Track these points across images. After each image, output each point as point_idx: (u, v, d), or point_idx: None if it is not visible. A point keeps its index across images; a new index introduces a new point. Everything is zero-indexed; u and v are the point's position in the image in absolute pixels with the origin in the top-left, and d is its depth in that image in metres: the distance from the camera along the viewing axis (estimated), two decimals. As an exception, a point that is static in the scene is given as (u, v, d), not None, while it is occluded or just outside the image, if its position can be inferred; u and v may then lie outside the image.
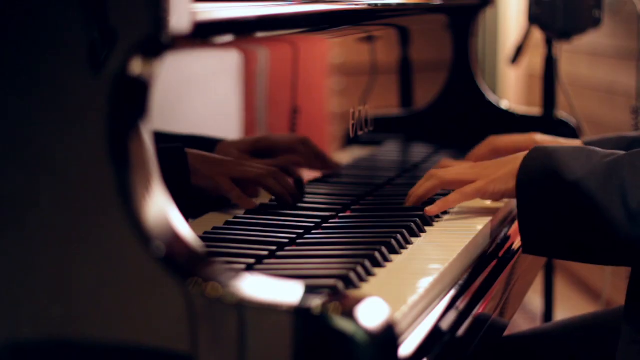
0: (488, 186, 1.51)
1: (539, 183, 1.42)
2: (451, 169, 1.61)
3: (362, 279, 1.23)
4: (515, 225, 1.67)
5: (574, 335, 1.65)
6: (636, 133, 1.83)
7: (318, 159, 1.63)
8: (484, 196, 1.53)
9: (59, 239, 1.03)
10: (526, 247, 1.45)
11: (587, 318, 1.69)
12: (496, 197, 1.56)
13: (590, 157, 1.41)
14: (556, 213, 1.40)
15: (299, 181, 1.57)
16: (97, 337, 1.02)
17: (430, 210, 1.54)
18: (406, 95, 2.10)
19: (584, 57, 3.85)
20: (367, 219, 1.60)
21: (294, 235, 1.40)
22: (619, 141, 1.78)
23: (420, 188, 1.59)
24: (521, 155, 1.48)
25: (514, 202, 1.69)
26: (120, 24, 1.02)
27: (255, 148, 1.46)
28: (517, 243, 1.61)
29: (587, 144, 1.79)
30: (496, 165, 1.54)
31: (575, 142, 1.81)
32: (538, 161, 1.44)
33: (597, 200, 1.37)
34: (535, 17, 2.39)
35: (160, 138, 1.08)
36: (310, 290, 0.99)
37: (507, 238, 1.62)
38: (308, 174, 1.64)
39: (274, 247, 1.34)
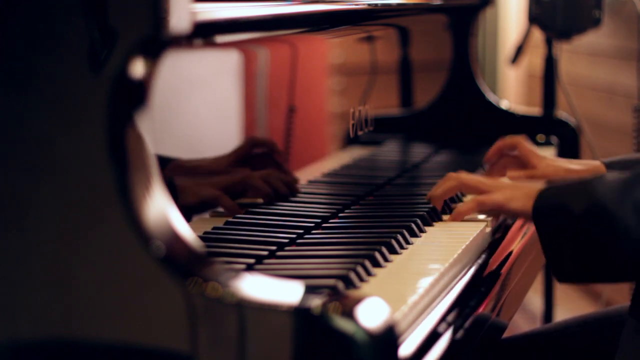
0: (507, 202, 1.48)
1: (553, 218, 1.40)
2: (472, 175, 1.60)
3: (362, 279, 1.23)
4: (515, 226, 1.67)
5: (574, 335, 1.65)
6: None
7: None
8: (500, 209, 1.50)
9: (59, 239, 1.03)
10: (560, 279, 1.43)
11: (586, 319, 1.69)
12: (512, 215, 1.54)
13: (600, 184, 1.38)
14: (575, 242, 1.38)
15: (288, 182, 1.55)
16: (97, 337, 1.02)
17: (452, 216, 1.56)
18: (406, 95, 2.10)
19: (584, 57, 3.84)
20: (367, 219, 1.60)
21: (294, 235, 1.40)
22: None
23: (439, 188, 1.59)
24: (538, 186, 1.46)
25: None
26: (120, 23, 1.02)
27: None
28: (517, 243, 1.61)
29: (608, 164, 1.72)
30: (516, 185, 1.53)
31: (594, 163, 1.74)
32: (550, 200, 1.42)
33: (614, 218, 1.34)
34: (535, 17, 2.39)
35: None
36: (310, 290, 0.99)
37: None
38: (306, 174, 1.64)
39: (274, 247, 1.34)
